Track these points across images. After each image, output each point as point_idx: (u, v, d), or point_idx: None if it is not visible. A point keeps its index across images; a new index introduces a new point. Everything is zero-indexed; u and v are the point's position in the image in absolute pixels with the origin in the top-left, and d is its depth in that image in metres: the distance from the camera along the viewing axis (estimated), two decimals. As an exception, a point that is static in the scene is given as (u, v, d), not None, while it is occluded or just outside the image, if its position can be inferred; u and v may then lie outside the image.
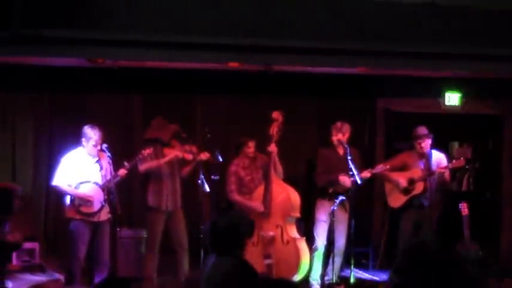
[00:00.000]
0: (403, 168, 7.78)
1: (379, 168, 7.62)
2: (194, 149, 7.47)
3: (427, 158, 7.70)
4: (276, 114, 7.49)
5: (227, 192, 7.68)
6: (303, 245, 7.38)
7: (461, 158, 7.77)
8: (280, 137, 7.49)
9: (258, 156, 7.69)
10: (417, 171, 7.69)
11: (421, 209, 7.70)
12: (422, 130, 7.71)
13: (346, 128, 7.64)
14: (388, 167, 7.67)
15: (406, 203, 7.74)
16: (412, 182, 7.67)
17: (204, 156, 7.35)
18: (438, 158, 7.77)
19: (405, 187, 7.70)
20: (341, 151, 7.61)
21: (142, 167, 7.40)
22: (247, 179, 7.65)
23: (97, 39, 6.49)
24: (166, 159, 7.38)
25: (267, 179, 7.46)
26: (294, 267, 7.25)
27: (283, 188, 7.44)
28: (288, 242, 7.31)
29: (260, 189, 7.48)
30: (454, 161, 7.70)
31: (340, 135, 7.59)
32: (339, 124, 7.65)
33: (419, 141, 7.68)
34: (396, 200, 7.81)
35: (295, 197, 7.44)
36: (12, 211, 6.42)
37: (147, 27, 6.51)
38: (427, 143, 7.70)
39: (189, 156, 7.43)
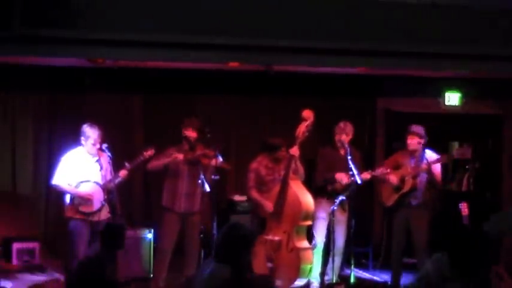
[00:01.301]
0: (397, 167, 7.76)
1: (380, 171, 7.61)
2: (211, 153, 7.42)
3: (416, 156, 7.67)
4: (306, 113, 7.35)
5: (246, 187, 7.64)
6: (307, 254, 7.31)
7: (445, 155, 7.72)
8: (306, 138, 7.35)
9: (284, 157, 7.52)
10: (407, 169, 7.66)
11: (409, 207, 7.67)
12: (414, 128, 7.66)
13: (350, 128, 7.63)
14: (388, 170, 7.66)
15: (397, 201, 7.72)
16: (402, 180, 7.65)
17: (215, 162, 7.33)
18: (430, 157, 7.72)
19: (397, 185, 7.68)
20: (342, 151, 7.60)
21: (148, 166, 7.44)
22: (268, 178, 7.54)
23: (97, 39, 6.49)
24: (167, 160, 7.37)
25: (283, 182, 7.35)
26: (293, 275, 7.20)
27: (297, 195, 7.29)
28: (291, 250, 7.23)
29: (275, 190, 7.41)
30: (436, 158, 7.65)
31: (344, 135, 7.58)
32: (342, 124, 7.63)
33: (407, 137, 7.64)
34: (388, 199, 7.79)
35: (307, 204, 7.31)
36: (123, 247, 6.21)
37: (147, 27, 6.51)
38: (414, 140, 7.65)
39: (206, 161, 7.39)
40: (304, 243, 7.36)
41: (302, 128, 7.32)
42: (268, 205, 7.38)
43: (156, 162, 7.41)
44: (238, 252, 4.26)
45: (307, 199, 7.34)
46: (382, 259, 8.90)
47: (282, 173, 7.44)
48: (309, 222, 7.42)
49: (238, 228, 4.42)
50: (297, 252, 7.24)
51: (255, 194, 7.55)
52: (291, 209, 7.29)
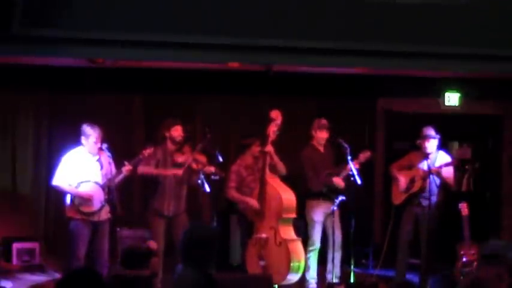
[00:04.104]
0: (410, 167, 7.84)
1: (362, 157, 7.60)
2: (204, 160, 7.42)
3: (431, 157, 7.71)
4: (274, 114, 7.44)
5: (226, 188, 7.67)
6: (296, 246, 7.37)
7: (454, 159, 7.83)
8: (277, 136, 7.43)
9: (260, 156, 7.61)
10: (418, 170, 7.73)
11: (419, 207, 7.72)
12: (429, 131, 7.74)
13: (328, 124, 7.69)
14: (369, 153, 7.66)
15: (405, 200, 7.78)
16: (412, 180, 7.72)
17: (209, 170, 7.35)
18: (444, 159, 7.78)
19: (406, 185, 7.75)
20: (321, 149, 7.67)
21: (141, 170, 7.37)
22: (249, 178, 7.61)
23: (97, 39, 6.49)
24: (165, 173, 7.35)
25: (261, 179, 7.45)
26: (284, 269, 7.25)
27: (277, 190, 7.38)
28: (280, 244, 7.30)
29: (257, 190, 7.48)
30: (446, 162, 7.73)
31: (325, 132, 7.64)
32: (323, 121, 7.67)
33: (424, 141, 7.71)
34: (397, 197, 7.88)
35: (288, 199, 7.38)
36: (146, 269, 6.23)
37: (147, 27, 6.51)
38: (432, 143, 7.72)
39: (197, 166, 7.39)
40: (292, 234, 7.41)
41: (272, 128, 7.40)
42: (253, 202, 7.42)
43: (149, 170, 7.36)
44: (202, 255, 4.11)
45: (288, 194, 7.41)
46: (383, 259, 8.89)
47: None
48: (294, 215, 7.46)
49: (199, 229, 4.28)
50: (286, 244, 7.29)
51: (235, 194, 7.61)
52: (272, 204, 7.37)
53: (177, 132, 7.43)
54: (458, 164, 8.11)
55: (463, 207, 7.80)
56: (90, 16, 6.42)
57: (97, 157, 7.12)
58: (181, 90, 9.00)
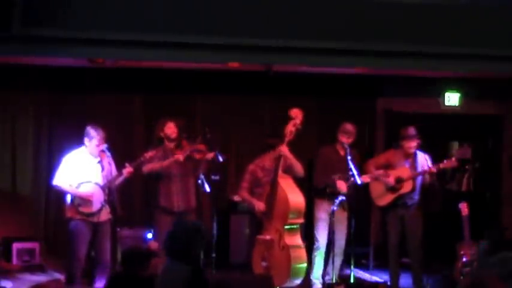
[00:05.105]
0: (386, 166, 7.74)
1: (378, 173, 7.60)
2: (203, 147, 7.44)
3: (413, 157, 7.68)
4: (294, 112, 7.36)
5: (239, 187, 7.66)
6: (299, 253, 7.30)
7: (453, 159, 7.75)
8: (295, 137, 7.35)
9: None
10: (405, 170, 7.63)
11: (404, 208, 7.67)
12: (411, 131, 7.67)
13: (354, 130, 7.64)
14: (388, 173, 7.64)
15: (392, 202, 7.71)
16: (399, 180, 7.63)
17: (209, 156, 7.36)
18: (423, 158, 7.74)
19: (392, 186, 7.66)
20: (342, 151, 7.61)
21: (145, 169, 7.42)
22: (265, 180, 7.51)
23: (97, 39, 6.49)
24: (167, 162, 7.37)
25: (273, 181, 7.36)
26: (285, 273, 7.19)
27: (285, 192, 7.28)
28: (283, 249, 7.25)
29: (267, 190, 7.43)
30: (445, 161, 7.66)
31: (346, 137, 7.59)
32: (349, 127, 7.62)
33: (407, 141, 7.64)
34: (382, 199, 7.75)
35: (296, 202, 7.30)
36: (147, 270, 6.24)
37: (147, 27, 6.51)
38: (415, 143, 7.66)
39: (199, 156, 7.40)
40: (296, 241, 7.35)
41: (290, 127, 7.32)
42: (260, 205, 7.39)
43: (153, 165, 7.39)
44: (189, 246, 4.28)
45: (296, 197, 7.33)
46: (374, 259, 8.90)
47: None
48: (301, 220, 7.39)
49: (181, 224, 4.49)
50: (288, 250, 7.24)
51: (245, 194, 7.58)
52: (279, 207, 7.30)
53: (170, 129, 7.48)
54: (459, 164, 8.07)
55: (463, 207, 7.79)
56: (90, 16, 6.42)
57: (98, 159, 7.12)
58: (182, 90, 9.00)
